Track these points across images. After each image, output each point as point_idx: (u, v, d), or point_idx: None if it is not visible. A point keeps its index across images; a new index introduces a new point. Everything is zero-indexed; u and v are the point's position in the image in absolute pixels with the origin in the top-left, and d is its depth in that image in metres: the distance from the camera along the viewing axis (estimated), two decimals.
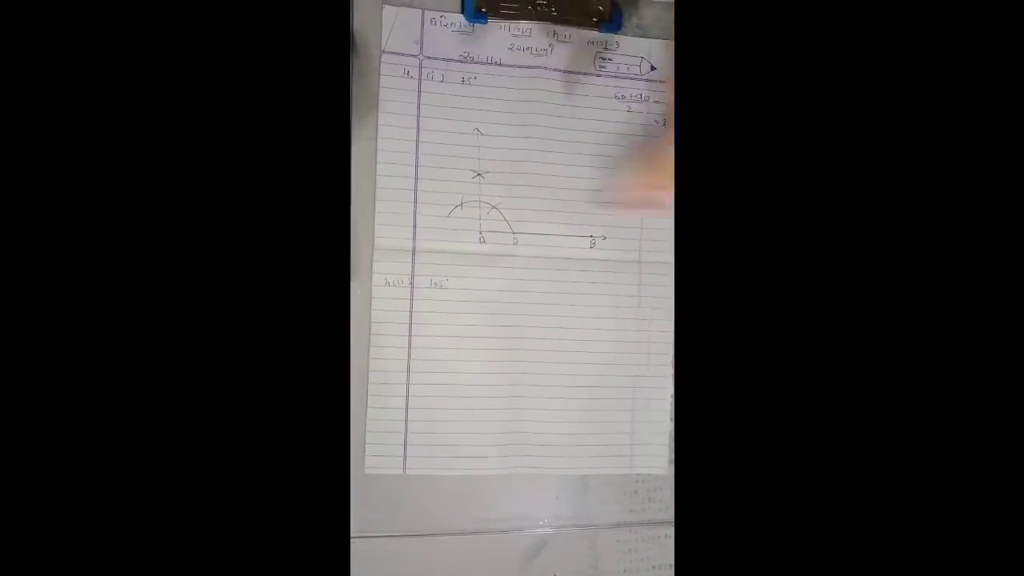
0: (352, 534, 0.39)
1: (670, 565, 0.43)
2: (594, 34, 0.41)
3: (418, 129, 0.39)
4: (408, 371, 0.40)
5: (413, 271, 0.40)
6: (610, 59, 0.41)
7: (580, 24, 0.41)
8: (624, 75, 0.41)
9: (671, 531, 0.43)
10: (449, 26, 0.40)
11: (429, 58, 0.39)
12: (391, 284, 0.39)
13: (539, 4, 0.40)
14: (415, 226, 0.40)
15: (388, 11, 0.39)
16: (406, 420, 0.40)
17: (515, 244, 0.41)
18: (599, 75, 0.41)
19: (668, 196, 0.30)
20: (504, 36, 0.40)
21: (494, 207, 0.40)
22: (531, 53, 0.40)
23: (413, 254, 0.40)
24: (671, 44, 0.41)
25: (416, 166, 0.39)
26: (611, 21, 0.41)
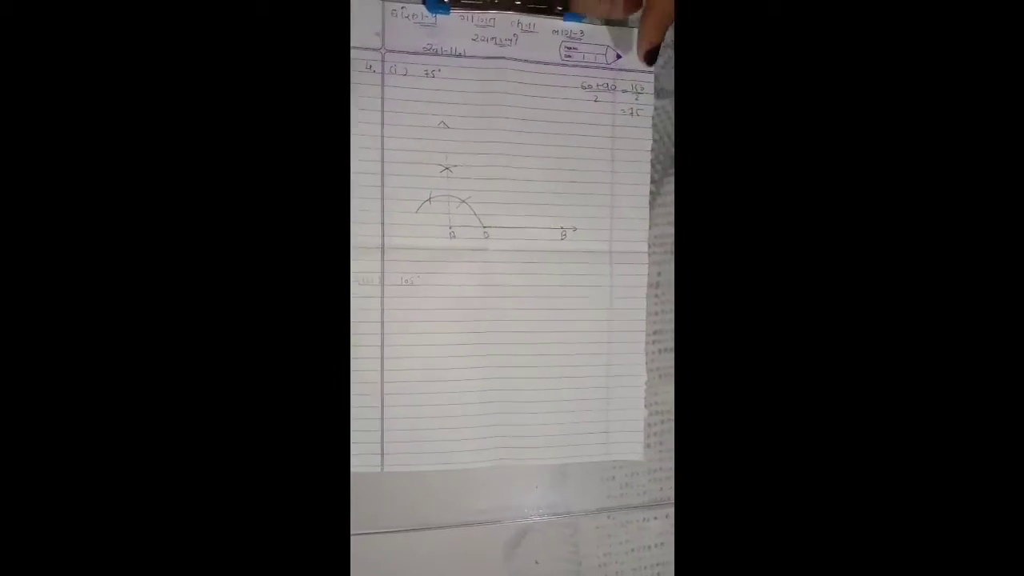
0: None
1: (648, 547, 0.44)
2: (558, 23, 0.40)
3: (383, 124, 0.39)
4: (382, 370, 0.39)
5: (383, 269, 0.39)
6: (575, 48, 0.41)
7: (544, 13, 0.40)
8: (591, 64, 0.41)
9: (648, 515, 0.44)
10: (411, 17, 0.39)
11: (392, 51, 0.38)
12: (361, 283, 0.39)
13: None
14: (383, 223, 0.39)
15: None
16: (382, 418, 0.39)
17: (486, 238, 0.40)
18: (565, 65, 0.41)
19: None
20: (467, 27, 0.39)
21: (463, 201, 0.40)
22: (495, 44, 0.40)
23: (382, 251, 0.39)
24: (636, 32, 0.41)
25: (382, 162, 0.39)
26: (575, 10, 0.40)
